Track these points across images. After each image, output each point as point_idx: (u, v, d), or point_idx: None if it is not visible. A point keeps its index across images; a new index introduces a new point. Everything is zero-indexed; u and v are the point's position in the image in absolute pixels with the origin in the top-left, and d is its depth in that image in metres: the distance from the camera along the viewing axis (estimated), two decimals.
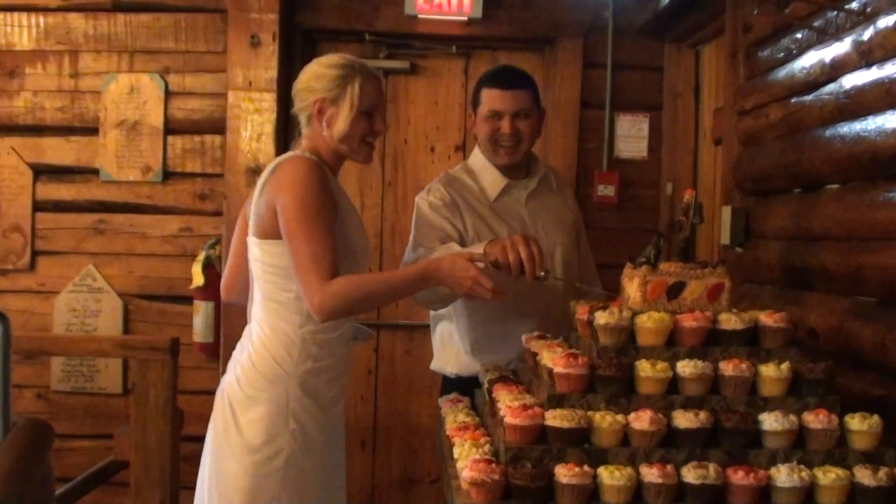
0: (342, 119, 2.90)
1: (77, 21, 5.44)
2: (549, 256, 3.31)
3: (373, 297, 2.88)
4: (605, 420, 2.36)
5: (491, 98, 3.30)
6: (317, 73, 2.95)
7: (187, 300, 5.31)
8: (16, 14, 5.45)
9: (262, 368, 2.89)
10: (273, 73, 5.24)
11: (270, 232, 2.86)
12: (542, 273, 2.80)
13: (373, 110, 2.95)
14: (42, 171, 5.47)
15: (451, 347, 3.43)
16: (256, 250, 2.92)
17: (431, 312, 3.51)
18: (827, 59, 3.33)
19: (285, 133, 5.37)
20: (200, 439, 5.19)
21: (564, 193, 3.62)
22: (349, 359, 3.10)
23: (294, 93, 3.00)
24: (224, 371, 5.07)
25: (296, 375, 2.88)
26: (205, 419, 5.16)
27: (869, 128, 2.98)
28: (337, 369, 2.99)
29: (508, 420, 2.38)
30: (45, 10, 5.44)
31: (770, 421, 2.38)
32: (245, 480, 2.87)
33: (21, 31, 5.46)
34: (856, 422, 2.40)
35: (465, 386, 3.29)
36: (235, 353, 3.05)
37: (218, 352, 5.22)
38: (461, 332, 3.38)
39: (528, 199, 3.42)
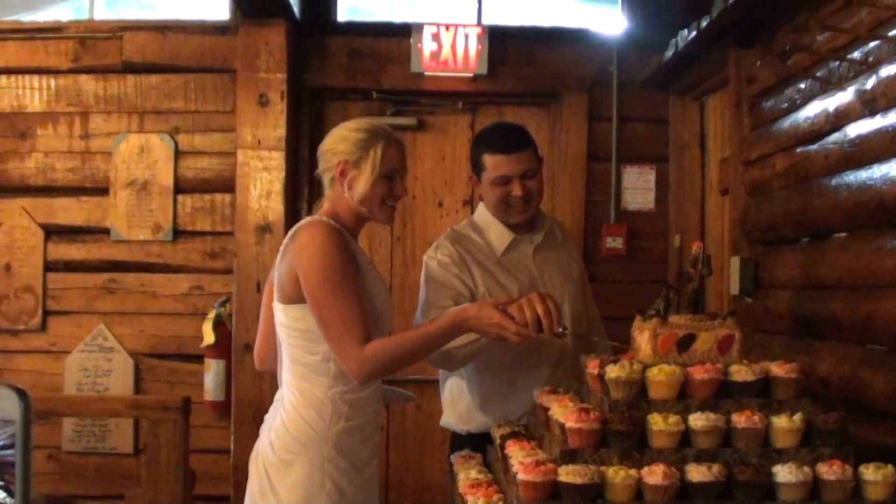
0: (363, 181, 2.92)
1: (87, 83, 5.50)
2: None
3: (408, 356, 2.88)
4: (618, 475, 2.34)
5: (496, 164, 3.29)
6: (341, 136, 2.99)
7: (198, 359, 5.31)
8: (27, 77, 5.52)
9: (295, 432, 2.89)
10: (281, 131, 5.28)
11: (293, 297, 2.88)
12: (561, 329, 2.79)
13: (394, 174, 2.98)
14: (53, 232, 5.50)
15: (461, 403, 3.42)
16: (281, 315, 2.93)
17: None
18: (831, 109, 3.36)
19: (294, 191, 5.41)
20: (212, 499, 5.22)
21: (569, 246, 3.63)
22: (380, 417, 3.09)
23: (319, 154, 3.04)
24: (235, 428, 5.11)
25: (329, 437, 2.88)
26: (216, 478, 5.22)
27: (875, 176, 3.00)
28: (369, 428, 2.99)
29: (521, 476, 2.37)
30: (55, 72, 5.51)
31: (784, 473, 2.36)
32: None
33: (32, 94, 5.53)
34: (870, 472, 2.39)
35: (475, 442, 3.27)
36: (268, 417, 3.04)
37: (229, 410, 5.21)
38: (471, 386, 3.37)
39: (535, 253, 3.42)
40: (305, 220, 2.98)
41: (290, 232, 2.95)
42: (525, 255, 3.41)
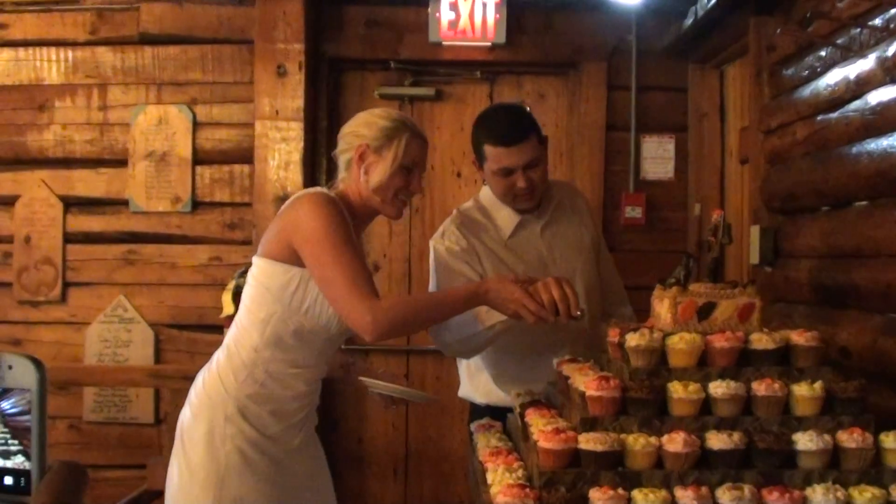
0: (382, 169, 2.88)
1: (105, 55, 5.51)
2: None
3: (423, 316, 2.86)
4: (638, 442, 2.35)
5: (497, 157, 3.21)
6: (367, 121, 2.95)
7: (218, 329, 5.31)
8: (45, 49, 5.53)
9: (209, 388, 2.88)
10: (299, 102, 5.29)
11: (271, 253, 2.85)
12: (578, 313, 2.77)
13: (413, 167, 2.94)
14: (72, 203, 5.53)
15: (479, 377, 3.40)
16: (254, 268, 2.92)
17: None
18: (852, 76, 3.33)
19: (313, 161, 5.41)
20: None
21: (580, 213, 3.53)
22: (310, 401, 3.01)
23: (340, 136, 3.00)
24: None
25: (234, 398, 2.84)
26: None
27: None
28: (285, 405, 2.91)
29: (541, 444, 2.37)
30: (73, 44, 5.52)
31: (804, 441, 2.36)
32: (180, 497, 2.86)
33: (50, 66, 5.54)
34: (890, 440, 2.38)
35: (494, 413, 3.26)
36: None
37: None
38: (489, 363, 3.35)
39: (543, 231, 3.37)
40: (308, 189, 2.96)
41: (291, 199, 2.92)
42: (533, 233, 3.36)
